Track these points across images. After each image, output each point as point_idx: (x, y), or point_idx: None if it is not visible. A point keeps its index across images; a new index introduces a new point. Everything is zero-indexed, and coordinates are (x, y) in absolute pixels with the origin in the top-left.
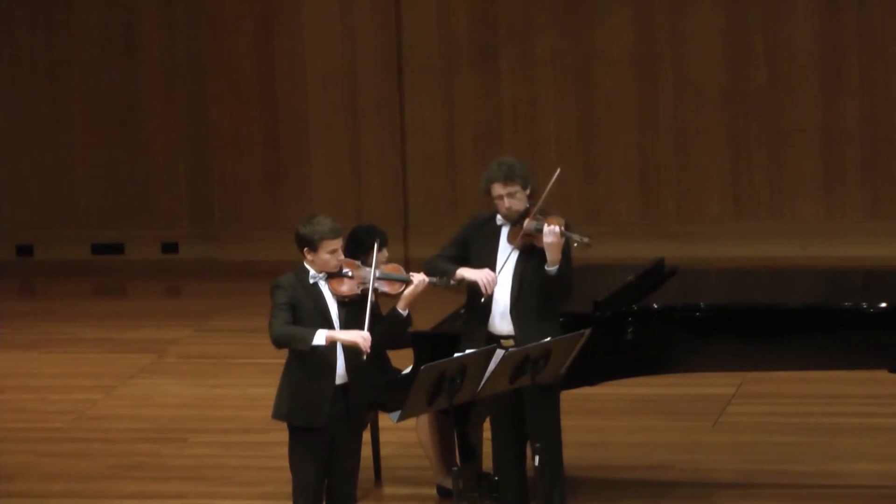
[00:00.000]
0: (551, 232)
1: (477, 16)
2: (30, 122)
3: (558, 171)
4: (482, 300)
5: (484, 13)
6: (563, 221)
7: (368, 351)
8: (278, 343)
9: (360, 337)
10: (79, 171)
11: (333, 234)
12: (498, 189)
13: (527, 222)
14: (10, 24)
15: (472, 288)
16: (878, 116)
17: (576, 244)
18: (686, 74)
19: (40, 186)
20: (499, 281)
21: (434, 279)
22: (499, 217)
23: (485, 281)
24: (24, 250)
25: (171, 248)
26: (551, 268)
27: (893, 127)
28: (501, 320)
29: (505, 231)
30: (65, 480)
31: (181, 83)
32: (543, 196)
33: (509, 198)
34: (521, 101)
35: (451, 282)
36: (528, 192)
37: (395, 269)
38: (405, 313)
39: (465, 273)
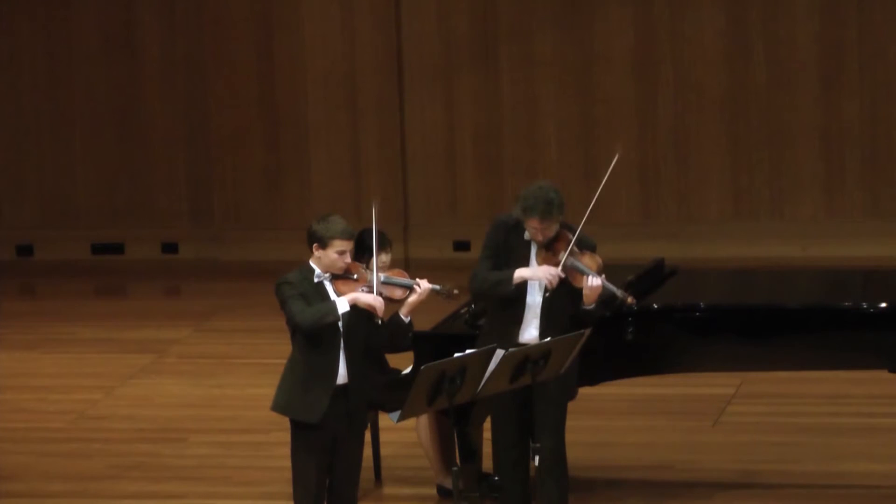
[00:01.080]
0: (593, 287)
1: (477, 16)
2: (30, 121)
3: (617, 156)
4: (547, 294)
5: (484, 13)
6: (598, 262)
7: (381, 316)
8: (310, 325)
9: (378, 301)
10: (79, 171)
11: (345, 236)
12: (534, 224)
13: (563, 255)
14: (10, 24)
15: (508, 294)
16: (878, 116)
17: (617, 301)
18: (686, 74)
19: (40, 186)
20: (532, 299)
21: (437, 287)
22: (527, 234)
23: (549, 277)
24: (24, 250)
25: (171, 248)
26: (588, 306)
27: (893, 127)
28: (530, 333)
29: (534, 249)
30: (65, 480)
31: (181, 83)
32: (601, 186)
33: (544, 231)
34: (521, 101)
35: (454, 291)
36: (561, 217)
37: (399, 275)
38: (407, 319)
39: (525, 273)
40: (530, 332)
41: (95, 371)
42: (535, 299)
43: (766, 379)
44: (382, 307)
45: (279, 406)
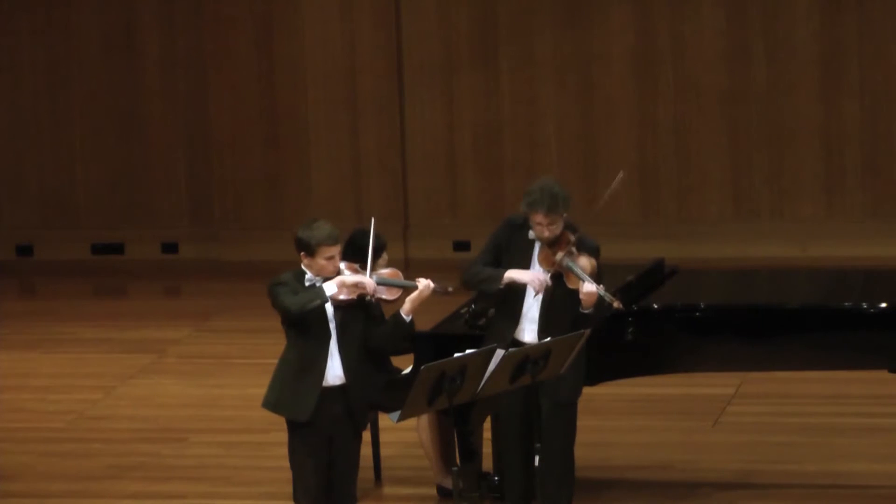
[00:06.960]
0: (587, 293)
1: (477, 16)
2: (30, 122)
3: (620, 174)
4: (536, 295)
5: (484, 13)
6: (593, 263)
7: (373, 294)
8: (297, 310)
9: (365, 280)
10: (79, 171)
11: (331, 241)
12: (539, 218)
13: (560, 256)
14: (10, 24)
15: (508, 292)
16: (878, 116)
17: (606, 304)
18: (686, 74)
19: (40, 186)
20: (529, 300)
21: (436, 285)
22: (532, 232)
23: (537, 282)
24: (24, 250)
25: (171, 248)
26: (586, 310)
27: (893, 127)
28: (531, 334)
29: (538, 248)
30: (65, 480)
31: (181, 83)
32: (604, 199)
33: (549, 226)
34: (521, 101)
35: (449, 288)
36: (565, 216)
37: (394, 275)
38: (408, 318)
39: (514, 275)
40: (528, 332)
41: (95, 371)
42: (532, 300)
43: (766, 379)
44: (373, 287)
45: (269, 403)
